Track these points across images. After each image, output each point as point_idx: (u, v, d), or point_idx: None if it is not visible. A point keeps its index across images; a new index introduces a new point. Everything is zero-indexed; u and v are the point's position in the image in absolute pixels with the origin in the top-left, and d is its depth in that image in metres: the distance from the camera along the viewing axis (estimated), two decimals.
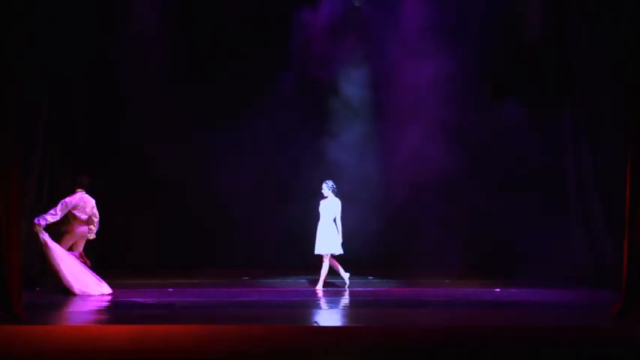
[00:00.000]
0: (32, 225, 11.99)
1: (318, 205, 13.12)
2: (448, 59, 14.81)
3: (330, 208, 13.00)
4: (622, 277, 10.17)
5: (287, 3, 15.43)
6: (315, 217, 13.10)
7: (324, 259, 12.94)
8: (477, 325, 9.67)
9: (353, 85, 15.61)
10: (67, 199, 12.29)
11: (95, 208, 12.60)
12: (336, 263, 13.08)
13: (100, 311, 10.81)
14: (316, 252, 13.00)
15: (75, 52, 14.66)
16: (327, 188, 13.04)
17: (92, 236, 12.69)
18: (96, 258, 15.48)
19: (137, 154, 15.43)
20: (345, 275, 13.11)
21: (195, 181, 15.43)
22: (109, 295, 12.16)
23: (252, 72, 15.33)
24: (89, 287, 12.20)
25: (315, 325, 9.80)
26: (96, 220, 12.64)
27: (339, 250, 12.96)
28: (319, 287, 12.91)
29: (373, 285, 13.93)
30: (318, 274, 12.94)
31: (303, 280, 13.79)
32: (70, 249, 12.52)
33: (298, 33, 15.40)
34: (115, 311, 10.81)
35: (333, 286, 13.12)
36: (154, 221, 15.72)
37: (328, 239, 12.90)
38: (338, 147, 15.35)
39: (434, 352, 8.94)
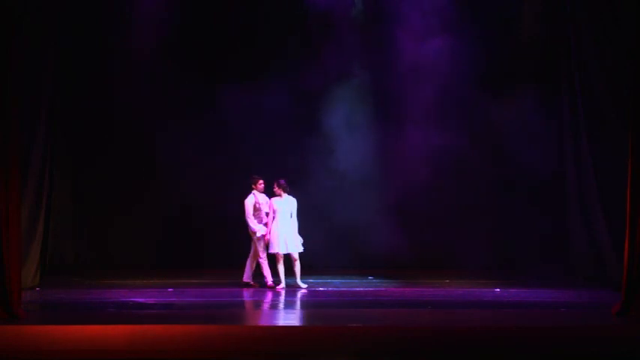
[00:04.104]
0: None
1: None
2: (449, 58, 14.85)
3: (287, 205, 12.87)
4: (622, 277, 10.18)
5: None
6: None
7: (280, 258, 12.85)
8: (477, 326, 9.67)
9: (351, 87, 15.58)
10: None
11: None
12: (280, 266, 12.96)
13: (100, 311, 10.81)
14: (275, 251, 12.87)
15: (75, 53, 14.66)
16: (278, 187, 12.92)
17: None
18: (95, 258, 15.61)
19: (138, 154, 15.40)
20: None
21: (195, 181, 15.39)
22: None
23: (251, 70, 15.32)
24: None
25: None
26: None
27: (298, 249, 12.86)
28: (282, 286, 12.93)
29: (373, 285, 13.91)
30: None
31: (302, 281, 13.76)
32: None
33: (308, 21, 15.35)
34: (115, 311, 10.80)
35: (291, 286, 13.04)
36: (154, 221, 15.68)
37: (289, 238, 12.79)
38: (340, 147, 15.34)
39: (434, 352, 8.95)
